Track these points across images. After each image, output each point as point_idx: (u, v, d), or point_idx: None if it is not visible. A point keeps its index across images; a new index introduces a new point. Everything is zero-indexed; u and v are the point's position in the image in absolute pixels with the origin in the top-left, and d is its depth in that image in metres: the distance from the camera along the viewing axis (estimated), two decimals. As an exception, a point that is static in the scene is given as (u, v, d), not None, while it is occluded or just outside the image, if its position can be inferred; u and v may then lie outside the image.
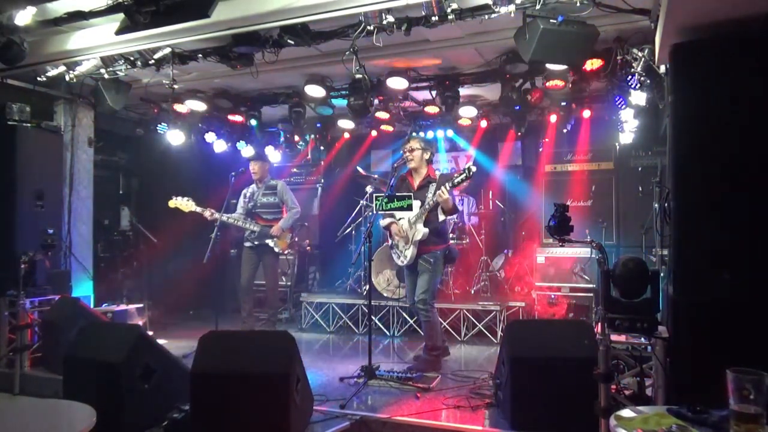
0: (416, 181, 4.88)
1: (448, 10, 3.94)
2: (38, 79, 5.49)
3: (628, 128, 6.07)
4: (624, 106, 5.48)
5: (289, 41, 4.53)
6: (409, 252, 4.74)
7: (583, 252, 6.35)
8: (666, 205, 3.29)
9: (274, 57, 4.81)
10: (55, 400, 3.55)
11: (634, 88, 4.67)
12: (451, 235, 6.68)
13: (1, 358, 4.85)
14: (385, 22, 4.12)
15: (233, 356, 3.30)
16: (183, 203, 5.67)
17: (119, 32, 4.01)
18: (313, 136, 8.23)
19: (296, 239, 7.17)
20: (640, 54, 4.46)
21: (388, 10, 4.06)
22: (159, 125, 7.06)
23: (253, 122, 7.04)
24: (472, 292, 6.89)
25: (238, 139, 7.77)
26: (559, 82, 5.63)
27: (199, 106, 6.62)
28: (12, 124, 5.50)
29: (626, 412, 2.06)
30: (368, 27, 4.17)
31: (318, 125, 7.89)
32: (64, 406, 2.66)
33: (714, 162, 2.86)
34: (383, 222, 4.92)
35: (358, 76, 5.09)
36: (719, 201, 2.84)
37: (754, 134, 2.79)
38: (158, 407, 3.42)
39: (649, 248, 5.38)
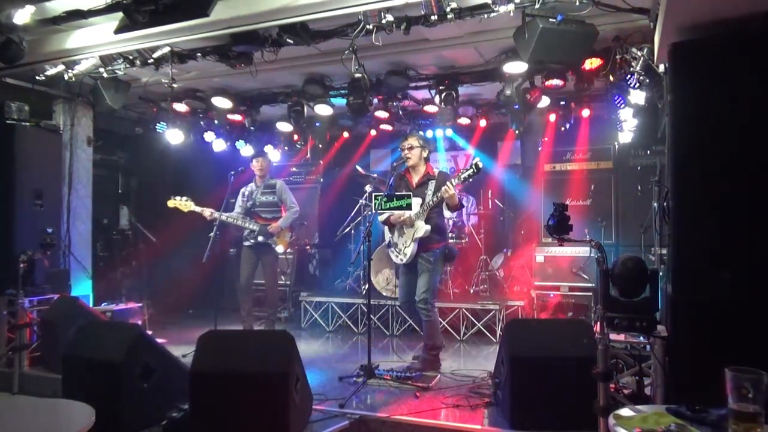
0: (415, 179, 4.88)
1: (448, 9, 3.94)
2: (37, 78, 5.49)
3: (627, 127, 6.07)
4: (623, 106, 5.48)
5: (288, 40, 4.53)
6: (410, 249, 4.73)
7: (582, 251, 6.35)
8: (665, 204, 3.29)
9: (273, 56, 4.81)
10: (54, 399, 3.55)
11: (633, 88, 4.66)
12: (450, 234, 6.69)
13: (0, 357, 4.85)
14: (384, 21, 4.11)
15: (232, 355, 3.30)
16: (182, 203, 5.66)
17: (118, 31, 4.01)
18: (312, 135, 8.22)
19: (295, 238, 7.17)
20: (639, 53, 4.46)
21: (388, 9, 4.05)
22: (158, 124, 7.05)
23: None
24: (472, 291, 6.90)
25: (237, 138, 7.77)
26: (559, 81, 5.63)
27: (198, 105, 6.61)
28: (11, 123, 5.50)
29: (625, 411, 2.06)
30: (367, 26, 4.16)
31: (317, 124, 7.89)
32: (63, 405, 2.65)
33: (713, 161, 2.86)
34: (381, 217, 4.90)
35: (358, 75, 5.08)
36: (718, 200, 2.84)
37: (753, 133, 2.79)
38: (157, 406, 3.42)
39: (648, 247, 5.39)
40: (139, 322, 6.05)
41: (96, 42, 4.75)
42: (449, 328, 6.17)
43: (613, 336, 3.33)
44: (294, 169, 8.81)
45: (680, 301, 2.87)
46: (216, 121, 7.30)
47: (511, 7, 3.77)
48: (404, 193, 4.63)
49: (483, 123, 7.22)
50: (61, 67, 5.26)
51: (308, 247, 8.13)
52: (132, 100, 6.51)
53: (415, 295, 4.72)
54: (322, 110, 6.66)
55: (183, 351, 4.73)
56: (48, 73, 5.34)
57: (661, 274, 3.80)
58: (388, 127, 7.70)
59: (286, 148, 8.24)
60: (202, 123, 7.34)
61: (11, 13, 4.22)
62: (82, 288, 6.27)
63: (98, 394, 3.31)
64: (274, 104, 6.94)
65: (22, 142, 5.52)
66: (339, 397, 3.91)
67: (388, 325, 6.49)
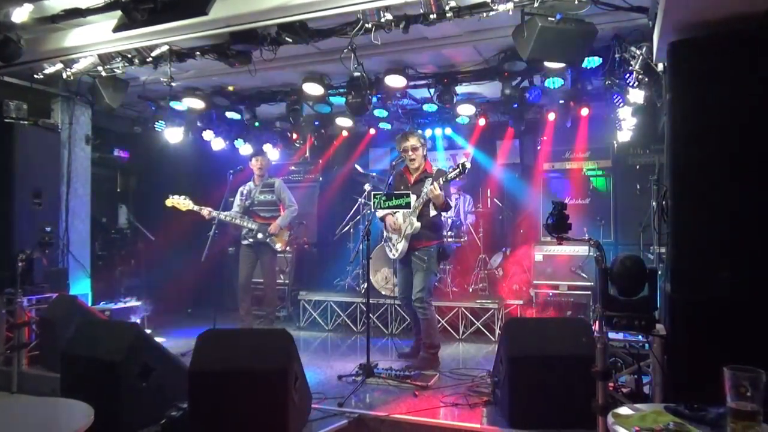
0: (413, 176, 4.90)
1: (446, 8, 3.94)
2: (35, 76, 5.47)
3: (626, 126, 6.07)
4: (622, 104, 5.48)
5: (287, 39, 4.52)
6: (401, 246, 4.77)
7: (581, 250, 6.35)
8: (664, 203, 3.30)
9: (272, 55, 4.79)
10: (53, 398, 3.54)
11: (632, 86, 4.66)
12: (449, 233, 6.70)
13: (-1, 356, 4.85)
14: (383, 20, 4.11)
15: (231, 354, 3.29)
16: (180, 202, 5.66)
17: (117, 29, 4.00)
18: (311, 134, 8.22)
19: (294, 237, 7.17)
20: (638, 52, 4.46)
21: (387, 8, 4.05)
22: (157, 123, 7.04)
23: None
24: (470, 290, 6.90)
25: (236, 137, 7.76)
26: (557, 80, 5.63)
27: (196, 103, 6.60)
28: (9, 122, 5.48)
29: (624, 410, 2.07)
30: (366, 25, 4.16)
31: (316, 123, 7.88)
32: (62, 404, 2.65)
33: (712, 160, 2.86)
34: (380, 213, 4.92)
35: (357, 73, 5.08)
36: (717, 199, 2.84)
37: (752, 132, 2.80)
38: (156, 405, 3.42)
39: (647, 246, 5.39)
40: (138, 321, 6.05)
41: (94, 40, 4.74)
42: (448, 327, 6.17)
43: (611, 335, 3.33)
44: (293, 167, 8.80)
45: (679, 300, 2.88)
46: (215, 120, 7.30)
47: (510, 5, 3.77)
48: (403, 191, 4.64)
49: (482, 122, 7.22)
50: (59, 66, 5.24)
51: (307, 245, 8.13)
52: (131, 99, 6.50)
53: (411, 294, 4.73)
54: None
55: (182, 350, 4.72)
56: (46, 71, 5.33)
57: (659, 273, 3.80)
58: (387, 126, 7.70)
59: (283, 146, 8.23)
60: (199, 123, 7.33)
61: (9, 12, 4.21)
62: (81, 287, 6.27)
63: (97, 393, 3.30)
64: (272, 103, 6.93)
65: (21, 140, 5.51)
66: (338, 395, 3.91)
67: (387, 324, 6.49)
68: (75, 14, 4.16)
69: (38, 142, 5.79)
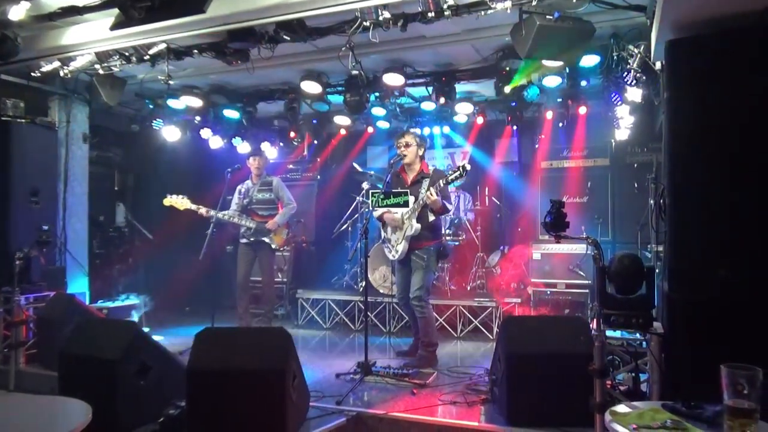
0: (410, 177, 4.89)
1: (445, 6, 3.94)
2: (32, 74, 5.46)
3: (624, 125, 6.08)
4: (620, 103, 5.49)
5: (284, 37, 4.52)
6: (401, 247, 4.77)
7: (579, 248, 6.36)
8: (661, 201, 3.30)
9: (269, 53, 4.79)
10: (51, 396, 3.53)
11: (630, 85, 4.67)
12: (447, 232, 6.70)
13: (-3, 355, 4.84)
14: (381, 18, 4.11)
15: (229, 353, 3.29)
16: (178, 201, 5.65)
17: (114, 27, 3.99)
18: (309, 132, 8.21)
19: (292, 235, 7.17)
20: (635, 50, 4.46)
21: (385, 6, 4.05)
22: (154, 121, 7.03)
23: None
24: (468, 288, 6.90)
25: (233, 135, 7.75)
26: (556, 79, 5.64)
27: (194, 102, 6.59)
28: (6, 120, 5.47)
29: (621, 408, 2.07)
30: (364, 23, 4.16)
31: (314, 121, 7.87)
32: (60, 402, 2.64)
33: (710, 158, 2.87)
34: (376, 213, 4.92)
35: (355, 72, 5.07)
36: (715, 197, 2.85)
37: (750, 130, 2.80)
38: (154, 404, 3.41)
39: (645, 244, 5.40)
40: (136, 320, 6.04)
41: (92, 38, 4.73)
42: (446, 325, 6.18)
43: (609, 333, 3.34)
44: (291, 166, 8.78)
45: (676, 298, 2.89)
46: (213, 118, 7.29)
47: (508, 4, 3.77)
48: (401, 190, 4.63)
49: (480, 120, 7.22)
50: (56, 64, 5.23)
51: (305, 244, 8.12)
52: (128, 97, 6.48)
53: (410, 293, 4.74)
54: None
55: (180, 348, 4.72)
56: (43, 69, 5.32)
57: (657, 271, 3.81)
58: (385, 124, 7.69)
59: (281, 144, 8.22)
60: (197, 120, 7.31)
61: (6, 9, 4.19)
62: (79, 285, 6.26)
63: (95, 391, 3.29)
64: (270, 101, 6.92)
65: (18, 139, 5.49)
66: (336, 394, 3.91)
67: (385, 322, 6.50)
68: (72, 12, 4.16)
69: (35, 141, 5.78)
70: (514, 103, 6.38)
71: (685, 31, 2.98)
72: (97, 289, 6.60)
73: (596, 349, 2.59)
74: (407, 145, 4.82)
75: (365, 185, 6.81)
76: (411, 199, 4.65)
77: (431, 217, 4.78)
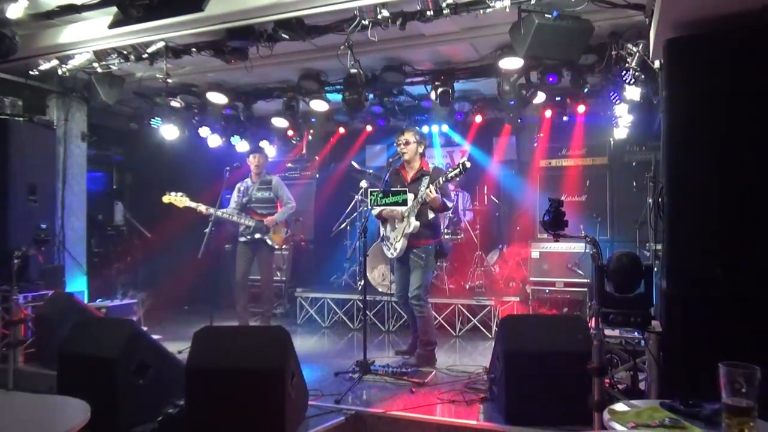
0: (409, 175, 4.90)
1: (443, 5, 3.93)
2: (30, 72, 5.44)
3: (623, 123, 6.09)
4: (618, 101, 5.49)
5: (283, 35, 4.51)
6: (399, 244, 4.76)
7: (578, 247, 6.37)
8: (660, 200, 3.30)
9: (268, 51, 4.78)
10: (49, 395, 3.53)
11: (629, 83, 4.67)
12: (446, 230, 6.70)
13: (-5, 354, 4.83)
14: (380, 17, 4.11)
15: (228, 351, 3.29)
16: (177, 198, 5.64)
17: (112, 26, 3.99)
18: (307, 130, 8.21)
19: (291, 234, 7.16)
20: (634, 49, 4.46)
21: (383, 5, 4.05)
22: (153, 120, 7.01)
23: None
24: (467, 287, 6.91)
25: (232, 133, 7.74)
26: (555, 77, 5.62)
27: (193, 100, 6.58)
28: (4, 118, 5.45)
29: (619, 406, 2.07)
30: (363, 21, 4.15)
31: (313, 120, 7.87)
32: (58, 401, 2.64)
33: (708, 157, 2.87)
34: (375, 210, 4.91)
35: (353, 70, 5.07)
36: (713, 196, 2.85)
37: (748, 129, 2.80)
38: (153, 402, 3.41)
39: (643, 243, 5.41)
40: (135, 318, 6.04)
41: (90, 37, 4.72)
42: (445, 324, 6.18)
43: (607, 331, 3.34)
44: (290, 164, 8.78)
45: (675, 296, 2.89)
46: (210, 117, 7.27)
47: (507, 2, 3.77)
48: (400, 189, 4.64)
49: (479, 119, 7.22)
50: (54, 62, 5.22)
51: (304, 242, 8.12)
52: (126, 96, 6.47)
53: (408, 292, 4.74)
54: (318, 106, 6.66)
55: (179, 347, 4.73)
56: (41, 67, 5.30)
57: (655, 269, 3.81)
58: (384, 123, 7.69)
59: (279, 143, 8.22)
60: (195, 120, 7.30)
61: (4, 7, 4.18)
62: (77, 284, 6.25)
63: (94, 390, 3.28)
64: (269, 99, 6.91)
65: (16, 137, 5.48)
66: (335, 392, 3.92)
67: (383, 321, 6.50)
68: (70, 10, 4.15)
69: (33, 139, 5.76)
70: (512, 102, 6.37)
71: (683, 30, 2.98)
72: (95, 287, 6.59)
73: (595, 347, 2.59)
74: (406, 143, 4.83)
75: (364, 184, 6.81)
76: (410, 196, 4.65)
77: (431, 215, 4.78)
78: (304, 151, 8.85)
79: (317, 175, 8.67)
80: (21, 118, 5.61)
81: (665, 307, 2.98)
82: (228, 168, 5.68)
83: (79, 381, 3.46)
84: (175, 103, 6.64)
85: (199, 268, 6.21)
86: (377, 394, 3.99)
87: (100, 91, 5.48)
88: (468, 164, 4.46)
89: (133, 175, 8.17)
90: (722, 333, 2.70)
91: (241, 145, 7.77)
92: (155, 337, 4.47)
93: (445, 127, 7.99)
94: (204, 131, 7.45)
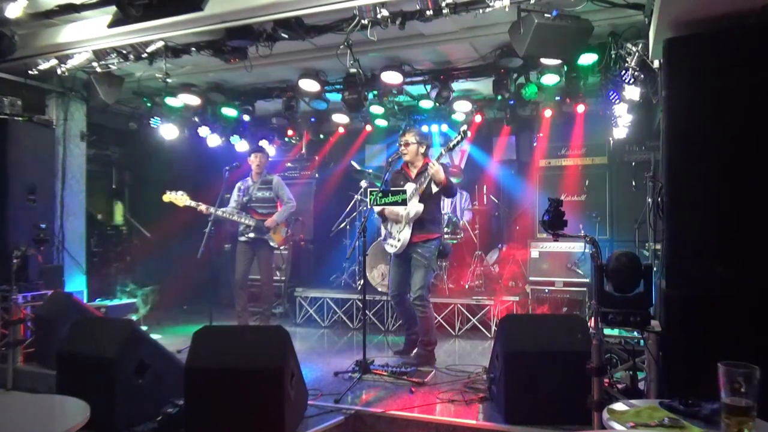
0: (413, 172, 4.91)
1: (443, 4, 3.93)
2: (29, 72, 5.44)
3: (622, 123, 6.08)
4: (618, 101, 5.49)
5: (283, 35, 4.51)
6: (404, 234, 4.74)
7: (577, 246, 6.37)
8: (659, 199, 3.31)
9: (268, 51, 4.78)
10: (49, 395, 3.54)
11: (628, 83, 4.67)
12: (445, 230, 6.70)
13: (-6, 354, 4.83)
14: (379, 16, 4.10)
15: (227, 351, 3.29)
16: (177, 197, 5.64)
17: (111, 25, 3.98)
18: (307, 130, 8.20)
19: (291, 234, 7.16)
20: (634, 49, 4.46)
21: (383, 4, 4.05)
22: (152, 119, 7.01)
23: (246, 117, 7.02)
24: (467, 286, 6.91)
25: (231, 133, 7.74)
26: (554, 77, 5.64)
27: (192, 100, 6.58)
28: (3, 118, 5.45)
29: (619, 406, 2.07)
30: (362, 21, 4.15)
31: (312, 120, 7.86)
32: (58, 401, 2.64)
33: (708, 157, 2.87)
34: (377, 208, 4.91)
35: (353, 70, 5.07)
36: (713, 196, 2.85)
37: (747, 129, 2.80)
38: (152, 402, 3.42)
39: (642, 243, 5.40)
40: (134, 318, 6.04)
41: (89, 36, 4.71)
42: (444, 324, 6.18)
43: (607, 331, 3.34)
44: (289, 164, 8.77)
45: (674, 296, 2.89)
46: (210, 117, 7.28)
47: (506, 2, 3.77)
48: (399, 188, 4.64)
49: (478, 118, 7.22)
50: (53, 62, 5.21)
51: (303, 242, 8.12)
52: (126, 95, 6.47)
53: (411, 292, 4.74)
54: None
55: (178, 347, 4.73)
56: (41, 67, 5.30)
57: (655, 269, 3.82)
58: (383, 122, 7.69)
59: (279, 142, 8.21)
60: (195, 119, 7.30)
61: (3, 7, 4.18)
62: (76, 284, 6.25)
63: (93, 390, 3.29)
64: (268, 99, 6.92)
65: (15, 136, 5.48)
66: (334, 392, 3.92)
67: (383, 321, 6.50)
68: (69, 9, 4.15)
69: (33, 139, 5.77)
70: (512, 102, 6.38)
71: (683, 30, 2.98)
72: (94, 287, 6.59)
73: (594, 347, 2.60)
74: (406, 144, 4.84)
75: (363, 183, 6.81)
76: (412, 186, 4.70)
77: (445, 209, 4.77)
78: (303, 151, 8.85)
79: (317, 175, 8.67)
80: (20, 118, 5.61)
81: (664, 307, 2.98)
82: (227, 167, 5.67)
83: (78, 381, 3.46)
84: (174, 103, 6.64)
85: (198, 267, 6.21)
86: (376, 393, 3.99)
87: (99, 91, 5.47)
88: (468, 133, 4.51)
89: (133, 175, 8.16)
90: (721, 333, 2.71)
91: (241, 145, 7.77)
92: (154, 336, 4.47)
93: (444, 127, 7.98)
94: (203, 131, 7.45)
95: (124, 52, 5.08)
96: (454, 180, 4.57)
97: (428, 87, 6.16)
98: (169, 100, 6.60)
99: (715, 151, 2.86)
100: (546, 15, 3.73)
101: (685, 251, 2.90)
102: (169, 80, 5.36)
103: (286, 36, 4.51)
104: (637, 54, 4.42)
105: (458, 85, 6.21)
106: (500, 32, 4.56)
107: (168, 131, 7.07)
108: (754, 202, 2.76)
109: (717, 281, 2.74)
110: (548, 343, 3.36)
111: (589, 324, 3.42)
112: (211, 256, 5.67)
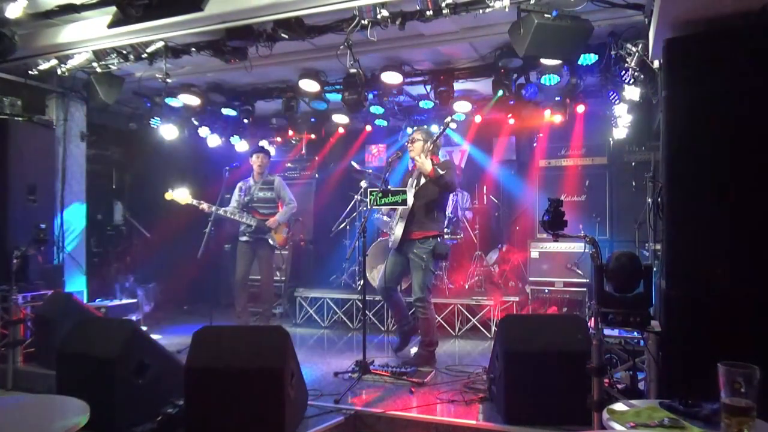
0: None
1: (443, 5, 3.94)
2: (30, 72, 5.44)
3: (622, 123, 6.08)
4: (618, 101, 5.49)
5: (283, 35, 4.51)
6: (398, 228, 4.80)
7: (577, 247, 6.37)
8: (659, 199, 3.31)
9: (267, 51, 4.78)
10: (49, 395, 3.53)
11: (628, 83, 4.67)
12: (445, 230, 6.69)
13: (-6, 354, 4.83)
14: (379, 17, 4.11)
15: (227, 351, 3.29)
16: (179, 195, 5.64)
17: (111, 25, 3.99)
18: (307, 130, 8.20)
19: (291, 234, 7.16)
20: (633, 49, 4.46)
21: (383, 4, 4.05)
22: (152, 119, 7.01)
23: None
24: (467, 286, 6.91)
25: (231, 133, 7.73)
26: (554, 77, 5.63)
27: (192, 100, 6.58)
28: (3, 118, 5.45)
29: (619, 406, 2.08)
30: (362, 21, 4.15)
31: (312, 120, 7.86)
32: (58, 401, 2.64)
33: (707, 157, 2.87)
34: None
35: (353, 70, 5.07)
36: (712, 196, 2.85)
37: (747, 129, 2.80)
38: (152, 402, 3.42)
39: (642, 243, 5.40)
40: (134, 318, 6.04)
41: (89, 36, 4.71)
42: (444, 324, 6.18)
43: (607, 331, 3.34)
44: (289, 164, 8.78)
45: (674, 296, 2.89)
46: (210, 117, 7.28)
47: (506, 2, 3.77)
48: (399, 189, 4.66)
49: (478, 119, 7.22)
50: (54, 62, 5.21)
51: (303, 242, 8.12)
52: (126, 95, 6.46)
53: (412, 294, 4.76)
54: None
55: (178, 347, 4.73)
56: (41, 67, 5.29)
57: (655, 269, 3.82)
58: (383, 123, 7.69)
59: (279, 139, 8.20)
60: (195, 120, 7.30)
61: (3, 7, 4.19)
62: (76, 284, 6.25)
63: (93, 390, 3.29)
64: (268, 99, 6.91)
65: (15, 137, 5.47)
66: (334, 392, 3.92)
67: (383, 321, 6.50)
68: (69, 10, 4.15)
69: (33, 139, 5.76)
70: (512, 102, 6.38)
71: (683, 30, 2.98)
72: (94, 287, 6.58)
73: (594, 347, 2.60)
74: (412, 141, 4.88)
75: (363, 183, 6.81)
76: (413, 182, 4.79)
77: (433, 207, 4.78)
78: (303, 151, 8.85)
79: (317, 175, 8.67)
80: (20, 118, 5.61)
81: (664, 307, 2.98)
82: (227, 168, 5.68)
83: (78, 381, 3.46)
84: (174, 103, 6.63)
85: (198, 267, 6.21)
86: (377, 394, 3.99)
87: (99, 91, 5.47)
88: (453, 125, 4.52)
89: (133, 175, 8.16)
90: (721, 333, 2.71)
91: (241, 145, 7.76)
92: (154, 336, 4.47)
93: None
94: (203, 131, 7.45)
95: (124, 52, 5.08)
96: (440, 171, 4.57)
97: (428, 87, 6.16)
98: (169, 100, 6.60)
99: (715, 151, 2.86)
100: (546, 15, 3.73)
101: (684, 251, 2.90)
102: (169, 80, 5.36)
103: (286, 36, 4.51)
104: (636, 54, 4.42)
105: (458, 86, 6.20)
106: (500, 32, 4.56)
107: (168, 131, 7.07)
108: (754, 202, 2.76)
109: (717, 281, 2.74)
110: (548, 343, 3.36)
111: (589, 324, 3.42)
112: (211, 257, 5.68)
